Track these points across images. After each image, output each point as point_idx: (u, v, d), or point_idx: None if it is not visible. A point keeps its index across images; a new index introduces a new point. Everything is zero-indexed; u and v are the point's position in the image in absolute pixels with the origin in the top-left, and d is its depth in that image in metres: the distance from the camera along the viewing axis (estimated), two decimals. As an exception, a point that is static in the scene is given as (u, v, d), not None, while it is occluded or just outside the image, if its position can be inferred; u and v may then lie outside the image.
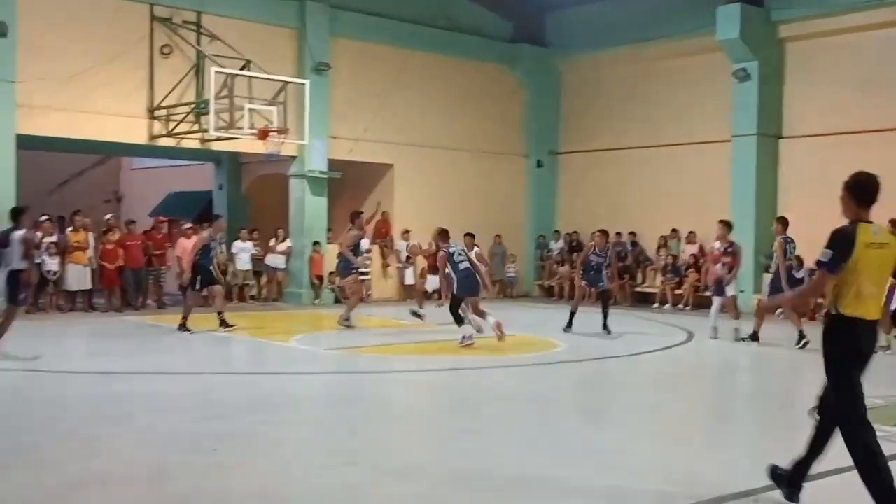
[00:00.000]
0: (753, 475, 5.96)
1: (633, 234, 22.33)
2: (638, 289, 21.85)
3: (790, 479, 5.55)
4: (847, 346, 5.16)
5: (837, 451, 5.30)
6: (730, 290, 14.25)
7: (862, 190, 5.25)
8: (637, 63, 22.70)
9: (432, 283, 18.03)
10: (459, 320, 12.98)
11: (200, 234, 15.21)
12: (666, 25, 21.48)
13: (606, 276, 15.35)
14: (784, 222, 14.07)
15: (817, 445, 5.40)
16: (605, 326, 14.75)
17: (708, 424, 8.48)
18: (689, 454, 7.11)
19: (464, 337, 12.71)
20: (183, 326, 14.03)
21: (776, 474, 5.68)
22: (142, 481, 6.11)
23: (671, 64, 22.06)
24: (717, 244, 14.48)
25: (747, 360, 13.05)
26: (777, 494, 5.66)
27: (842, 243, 5.15)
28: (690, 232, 21.22)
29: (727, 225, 14.60)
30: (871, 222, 5.22)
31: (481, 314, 13.37)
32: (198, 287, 14.46)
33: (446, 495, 5.83)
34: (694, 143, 21.51)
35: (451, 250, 13.19)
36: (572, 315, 15.14)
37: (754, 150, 20.03)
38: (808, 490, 5.55)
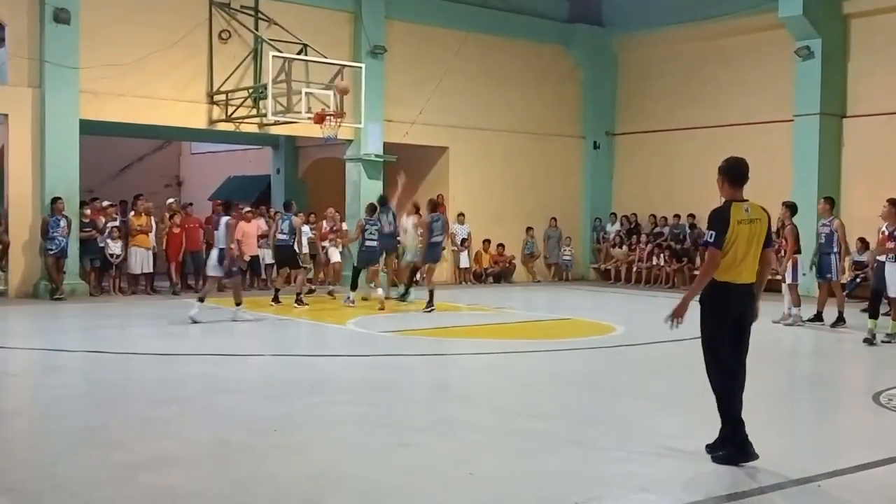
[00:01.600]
0: (816, 460, 5.88)
1: (691, 216, 22.03)
2: (696, 272, 21.56)
3: (735, 444, 6.08)
4: (718, 304, 6.20)
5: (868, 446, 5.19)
6: (790, 276, 13.96)
7: (734, 172, 6.49)
8: (695, 42, 22.33)
9: None
10: (354, 285, 16.23)
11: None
12: (725, 3, 21.06)
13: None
14: (831, 202, 14.40)
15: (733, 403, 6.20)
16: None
17: (770, 408, 8.36)
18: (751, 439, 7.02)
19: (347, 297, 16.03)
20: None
21: (719, 456, 6.11)
22: (205, 462, 6.24)
23: (731, 42, 21.64)
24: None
25: (809, 342, 12.82)
26: (842, 481, 5.57)
27: (719, 222, 6.18)
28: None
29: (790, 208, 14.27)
30: (744, 200, 6.42)
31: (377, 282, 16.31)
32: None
33: (506, 478, 5.84)
34: (754, 122, 21.09)
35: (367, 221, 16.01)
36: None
37: (817, 130, 19.58)
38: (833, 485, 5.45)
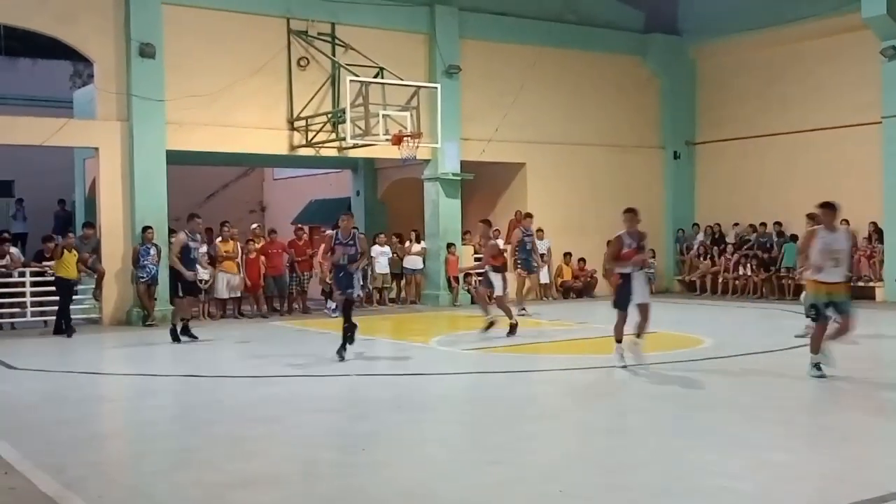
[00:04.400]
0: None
1: (778, 223, 21.50)
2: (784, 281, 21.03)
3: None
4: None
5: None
6: None
7: None
8: (774, 47, 21.88)
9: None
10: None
11: (177, 236, 14.77)
12: (803, 6, 20.63)
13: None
14: None
15: None
16: None
17: (867, 421, 8.08)
18: (849, 453, 6.79)
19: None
20: (173, 331, 13.88)
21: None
22: (293, 481, 6.31)
23: (810, 45, 21.15)
24: None
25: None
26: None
27: None
28: (842, 220, 20.23)
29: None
30: None
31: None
32: (180, 294, 14.16)
33: (593, 495, 5.76)
34: (840, 126, 20.54)
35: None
36: None
37: (907, 132, 18.97)
38: None
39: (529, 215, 18.48)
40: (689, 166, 24.13)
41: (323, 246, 12.59)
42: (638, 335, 10.64)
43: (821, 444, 7.03)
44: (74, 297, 16.13)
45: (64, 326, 15.21)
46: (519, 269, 17.73)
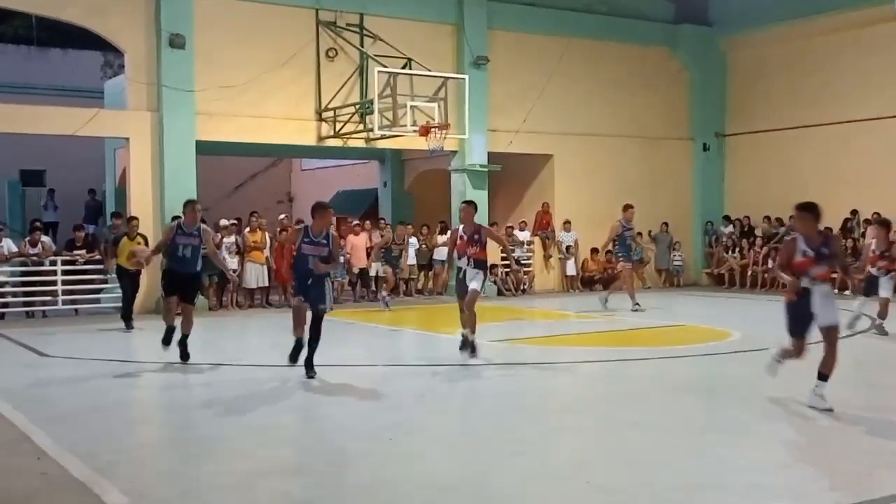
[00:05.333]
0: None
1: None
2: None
3: None
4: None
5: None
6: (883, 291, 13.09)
7: None
8: (806, 38, 21.65)
9: None
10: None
11: (169, 226, 11.92)
12: (836, -4, 20.41)
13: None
14: None
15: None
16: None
17: (889, 419, 8.00)
18: (876, 448, 6.73)
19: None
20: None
21: None
22: (322, 470, 6.35)
23: (843, 36, 20.91)
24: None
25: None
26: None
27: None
28: (875, 213, 20.05)
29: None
30: None
31: None
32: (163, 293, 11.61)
33: (623, 488, 5.76)
34: (873, 118, 20.31)
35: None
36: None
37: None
38: None
39: (629, 206, 17.05)
40: (718, 158, 23.95)
41: (285, 239, 10.55)
42: (821, 375, 7.89)
43: (849, 440, 6.98)
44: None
45: (124, 317, 14.68)
46: (622, 263, 16.98)
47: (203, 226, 11.38)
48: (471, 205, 11.20)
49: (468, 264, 10.85)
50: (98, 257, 17.21)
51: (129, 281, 14.81)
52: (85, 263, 17.11)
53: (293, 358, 9.87)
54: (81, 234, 17.91)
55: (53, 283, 16.79)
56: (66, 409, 8.38)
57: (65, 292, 16.83)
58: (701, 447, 6.77)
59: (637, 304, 16.33)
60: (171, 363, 10.86)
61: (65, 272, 16.81)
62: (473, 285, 10.76)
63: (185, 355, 10.84)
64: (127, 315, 14.71)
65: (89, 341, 13.64)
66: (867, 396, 8.98)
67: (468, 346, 10.93)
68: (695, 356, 11.36)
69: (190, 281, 10.94)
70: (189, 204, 11.04)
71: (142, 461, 6.69)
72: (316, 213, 9.77)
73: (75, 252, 17.13)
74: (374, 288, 19.24)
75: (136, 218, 15.52)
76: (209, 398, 9.25)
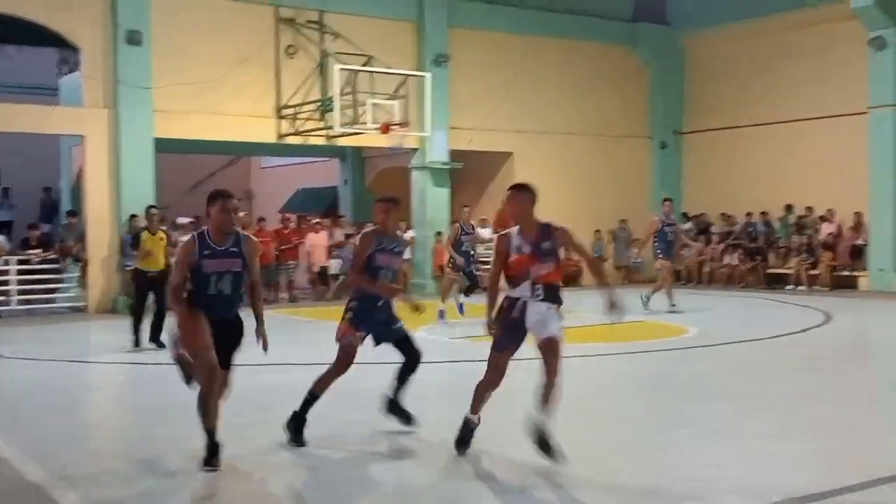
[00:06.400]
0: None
1: (764, 213, 21.62)
2: (770, 270, 21.17)
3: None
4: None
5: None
6: None
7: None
8: (763, 36, 21.95)
9: None
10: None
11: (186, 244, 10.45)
12: (793, -4, 20.72)
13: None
14: None
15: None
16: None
17: (857, 409, 8.14)
18: (839, 440, 6.86)
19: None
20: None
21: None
22: (284, 469, 6.32)
23: (799, 35, 21.22)
24: None
25: (887, 340, 12.47)
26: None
27: None
28: (829, 210, 20.43)
29: None
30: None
31: None
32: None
33: (588, 482, 5.80)
34: (827, 116, 20.65)
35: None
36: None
37: (893, 122, 19.08)
38: None
39: (668, 200, 16.63)
40: (676, 156, 24.19)
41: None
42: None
43: (810, 432, 7.09)
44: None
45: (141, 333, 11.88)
46: (660, 261, 15.96)
47: (243, 232, 6.75)
48: (523, 190, 6.43)
49: (534, 294, 6.34)
50: (53, 256, 16.97)
51: (152, 288, 11.76)
52: (40, 263, 16.85)
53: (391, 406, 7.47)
54: (36, 232, 17.65)
55: (7, 282, 16.51)
56: (22, 411, 8.25)
57: (20, 292, 16.56)
58: (664, 441, 6.83)
59: (674, 304, 15.41)
60: (129, 363, 10.72)
61: (20, 272, 16.54)
62: (552, 330, 6.34)
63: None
64: (156, 330, 11.71)
65: (45, 342, 13.42)
66: (846, 389, 9.12)
67: (549, 450, 6.13)
68: (654, 352, 11.47)
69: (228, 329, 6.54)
70: (220, 199, 6.56)
71: (100, 462, 6.60)
72: (390, 208, 7.23)
73: (30, 251, 16.86)
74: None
75: (155, 207, 13.15)
76: (168, 398, 9.15)
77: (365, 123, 17.16)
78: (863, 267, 19.79)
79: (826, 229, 20.36)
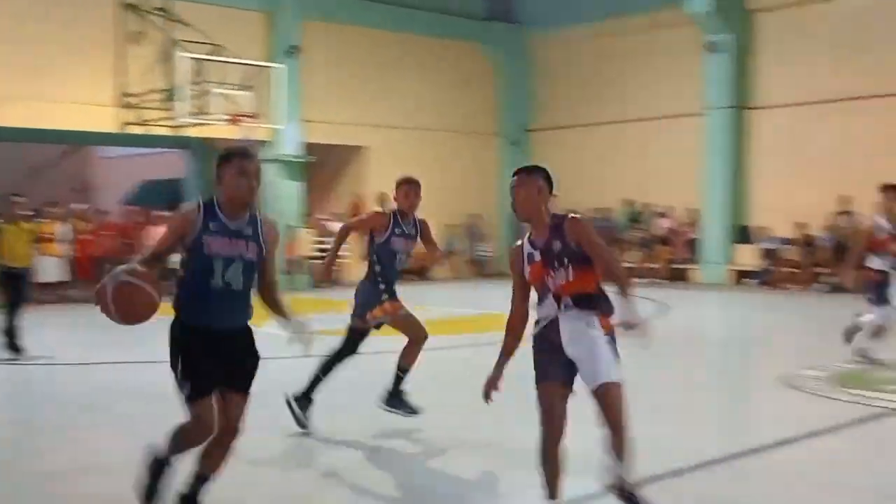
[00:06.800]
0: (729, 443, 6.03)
1: (606, 209, 22.41)
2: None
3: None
4: None
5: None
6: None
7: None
8: (607, 38, 22.74)
9: None
10: None
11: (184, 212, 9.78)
12: (637, 0, 21.53)
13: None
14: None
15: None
16: None
17: (679, 396, 8.56)
18: (659, 426, 7.18)
19: None
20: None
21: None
22: (120, 470, 6.11)
23: (641, 38, 22.12)
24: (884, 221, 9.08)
25: (717, 330, 13.16)
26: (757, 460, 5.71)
27: None
28: (669, 207, 21.37)
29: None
30: None
31: None
32: None
33: (457, 466, 5.86)
34: (667, 116, 21.62)
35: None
36: None
37: (725, 123, 20.19)
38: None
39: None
40: (524, 153, 24.72)
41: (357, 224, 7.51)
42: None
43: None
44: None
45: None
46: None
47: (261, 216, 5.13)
48: (532, 174, 4.61)
49: (562, 309, 4.62)
50: None
51: (14, 288, 10.49)
52: None
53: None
54: None
55: None
56: None
57: None
58: (507, 429, 6.99)
59: None
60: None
61: None
62: (602, 372, 4.63)
63: None
64: (10, 333, 10.44)
65: None
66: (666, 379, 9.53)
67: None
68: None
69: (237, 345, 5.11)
70: (235, 157, 4.91)
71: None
72: (413, 191, 7.18)
73: None
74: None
75: (17, 195, 11.07)
76: (3, 399, 8.71)
77: (213, 114, 16.74)
78: (696, 260, 20.84)
79: (663, 224, 21.31)
